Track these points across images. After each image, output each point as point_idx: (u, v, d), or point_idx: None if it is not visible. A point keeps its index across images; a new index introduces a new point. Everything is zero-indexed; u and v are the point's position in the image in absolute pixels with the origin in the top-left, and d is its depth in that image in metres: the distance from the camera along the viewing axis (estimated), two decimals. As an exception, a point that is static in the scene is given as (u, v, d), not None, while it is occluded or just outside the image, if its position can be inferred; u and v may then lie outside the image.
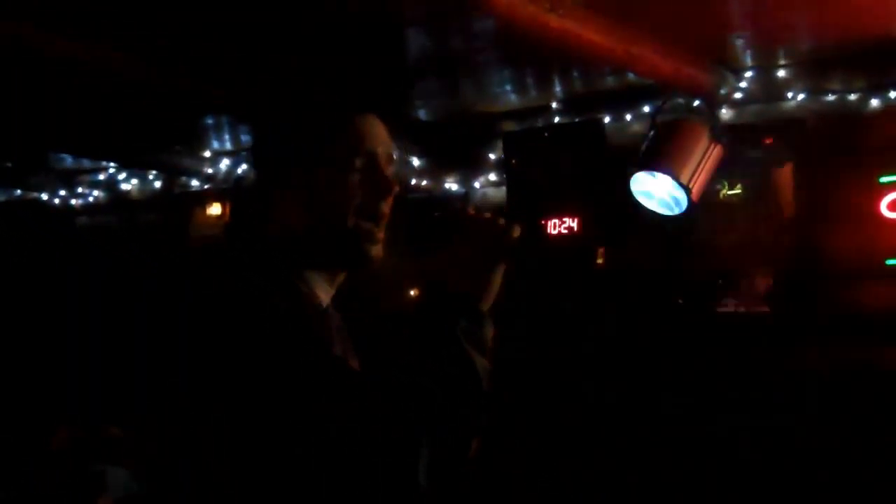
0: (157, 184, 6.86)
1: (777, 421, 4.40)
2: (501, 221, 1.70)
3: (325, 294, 1.74)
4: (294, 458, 1.52)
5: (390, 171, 1.74)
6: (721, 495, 4.41)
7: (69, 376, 5.46)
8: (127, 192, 6.97)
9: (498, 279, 1.69)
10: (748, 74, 4.62)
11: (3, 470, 3.70)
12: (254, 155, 1.85)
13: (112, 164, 6.84)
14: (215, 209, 6.58)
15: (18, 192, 7.29)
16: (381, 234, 1.72)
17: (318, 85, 1.82)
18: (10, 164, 6.72)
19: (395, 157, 1.76)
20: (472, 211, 1.73)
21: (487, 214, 1.72)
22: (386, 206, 1.72)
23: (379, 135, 1.73)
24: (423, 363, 1.58)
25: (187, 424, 1.60)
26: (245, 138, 6.20)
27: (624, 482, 4.61)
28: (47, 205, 7.18)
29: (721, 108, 4.69)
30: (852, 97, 4.54)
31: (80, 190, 7.10)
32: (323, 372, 1.53)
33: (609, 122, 4.99)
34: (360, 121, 1.72)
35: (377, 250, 1.71)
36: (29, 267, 6.48)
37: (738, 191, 4.66)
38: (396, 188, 1.72)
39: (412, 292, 4.86)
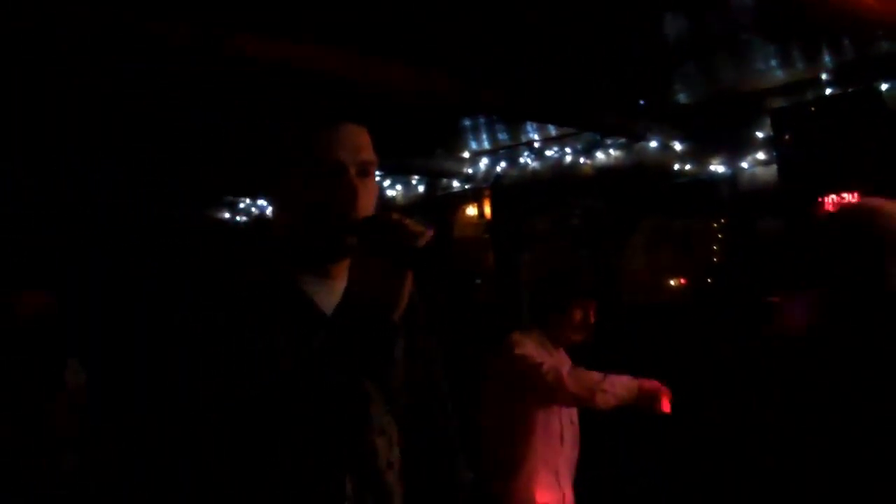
0: (421, 188, 7.04)
1: None
2: (411, 226, 1.69)
3: (318, 287, 1.80)
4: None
5: (360, 178, 1.79)
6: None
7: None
8: (392, 199, 7.20)
9: (404, 287, 1.70)
10: None
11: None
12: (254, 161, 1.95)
13: (377, 172, 7.08)
14: (472, 209, 6.70)
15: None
16: (350, 240, 1.75)
17: (305, 97, 1.90)
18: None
19: (372, 162, 1.82)
20: (392, 217, 1.71)
21: (395, 216, 1.70)
22: (355, 212, 1.76)
23: (348, 144, 1.79)
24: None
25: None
26: (502, 137, 6.27)
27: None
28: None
29: None
30: None
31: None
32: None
33: (887, 90, 4.69)
34: (327, 132, 1.79)
35: (352, 240, 1.75)
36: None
37: None
38: (359, 197, 1.76)
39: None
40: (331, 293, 1.82)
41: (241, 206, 7.89)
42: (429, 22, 3.95)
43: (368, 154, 1.83)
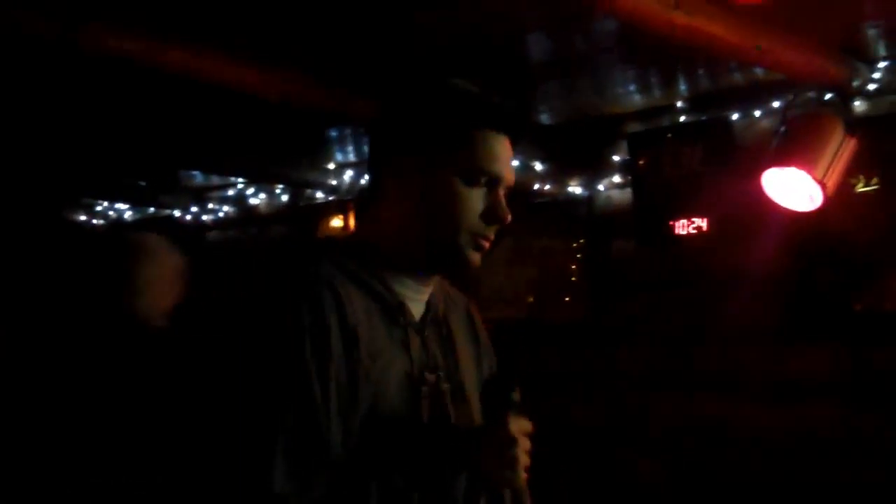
0: (284, 197, 6.99)
1: None
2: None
3: (411, 293, 1.72)
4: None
5: (505, 201, 1.69)
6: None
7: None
8: (255, 207, 7.12)
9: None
10: (882, 65, 4.47)
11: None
12: (372, 150, 1.79)
13: (240, 179, 7.00)
14: (337, 221, 6.68)
15: (152, 209, 7.51)
16: (486, 248, 1.68)
17: (454, 93, 1.72)
18: (143, 183, 6.93)
19: (512, 186, 1.72)
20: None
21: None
22: (493, 233, 1.68)
23: (506, 159, 1.69)
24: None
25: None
26: (367, 149, 6.26)
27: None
28: (179, 222, 7.39)
29: (854, 100, 4.54)
30: None
31: (210, 206, 7.30)
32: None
33: (737, 119, 4.89)
34: (493, 138, 1.67)
35: (477, 259, 1.68)
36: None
37: (874, 184, 4.51)
38: (509, 219, 1.68)
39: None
40: (420, 301, 1.75)
41: (99, 208, 7.69)
42: (297, 27, 3.92)
43: (514, 177, 1.73)
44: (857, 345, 4.47)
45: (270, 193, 7.04)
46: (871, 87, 4.52)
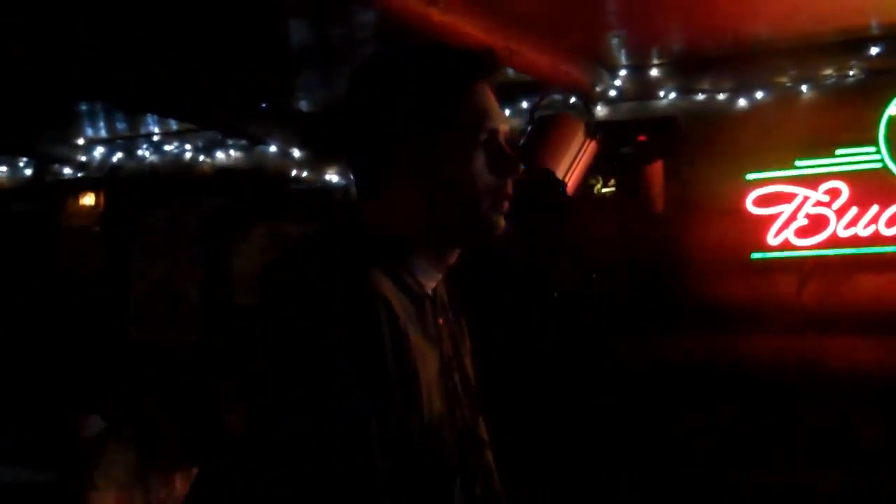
0: (28, 171, 6.66)
1: (640, 409, 4.57)
2: None
3: (428, 280, 1.58)
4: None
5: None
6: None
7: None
8: (-4, 180, 6.77)
9: None
10: (623, 73, 4.75)
11: None
12: (350, 140, 1.60)
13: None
14: (89, 199, 6.44)
15: None
16: (507, 206, 1.56)
17: (422, 52, 1.58)
18: None
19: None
20: None
21: None
22: (510, 185, 1.55)
23: (496, 108, 1.56)
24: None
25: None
26: (120, 126, 6.06)
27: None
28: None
29: (596, 105, 4.80)
30: (721, 97, 4.72)
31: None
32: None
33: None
34: (479, 91, 1.54)
35: (502, 222, 1.56)
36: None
37: (611, 187, 4.77)
38: (520, 167, 1.56)
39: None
40: (432, 286, 1.59)
41: None
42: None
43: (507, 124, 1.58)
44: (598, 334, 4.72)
45: (12, 166, 6.69)
46: (612, 93, 4.79)
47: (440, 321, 1.59)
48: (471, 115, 1.51)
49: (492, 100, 1.54)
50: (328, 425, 1.36)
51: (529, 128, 4.15)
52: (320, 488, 1.35)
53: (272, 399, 1.42)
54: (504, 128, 1.55)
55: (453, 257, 1.60)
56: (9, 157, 6.63)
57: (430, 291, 1.58)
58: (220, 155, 6.01)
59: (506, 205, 1.55)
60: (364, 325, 1.39)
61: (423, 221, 1.52)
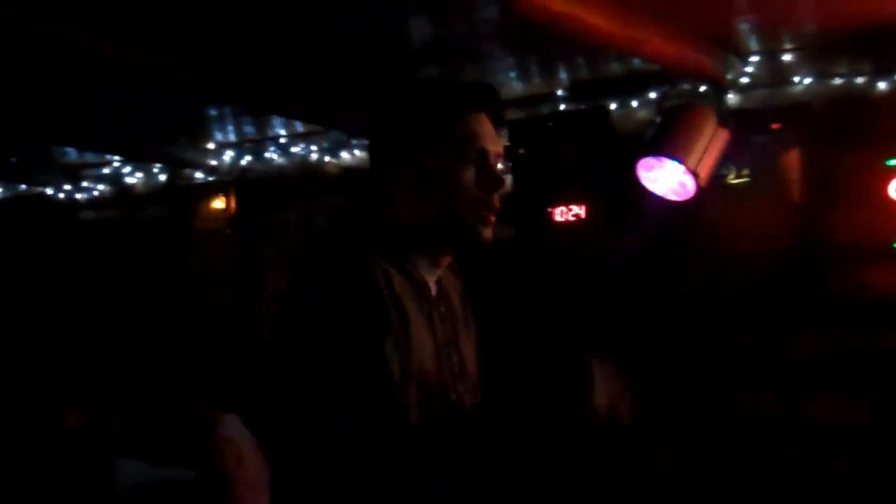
0: (162, 177, 6.84)
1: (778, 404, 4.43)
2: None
3: (428, 274, 1.88)
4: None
5: (499, 167, 1.87)
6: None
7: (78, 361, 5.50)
8: (132, 186, 6.95)
9: None
10: (754, 59, 4.60)
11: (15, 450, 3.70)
12: (369, 148, 1.96)
13: (116, 157, 6.82)
14: (219, 203, 6.57)
15: (23, 186, 7.27)
16: (492, 220, 1.85)
17: (431, 83, 1.98)
18: (14, 159, 6.70)
19: (502, 154, 1.91)
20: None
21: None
22: (497, 200, 1.85)
23: (490, 133, 1.86)
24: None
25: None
26: (248, 129, 6.17)
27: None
28: (52, 200, 7.17)
29: (727, 93, 4.66)
30: (859, 81, 4.53)
31: (84, 184, 7.09)
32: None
33: (615, 109, 4.97)
34: (473, 118, 1.85)
35: (488, 233, 1.85)
36: (32, 261, 6.50)
37: (745, 176, 4.63)
38: (507, 184, 1.91)
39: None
40: (432, 281, 1.90)
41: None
42: (172, 3, 3.84)
43: (501, 146, 1.90)
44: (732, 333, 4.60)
45: (147, 172, 6.88)
46: (744, 80, 4.64)
47: (441, 309, 1.90)
48: (460, 139, 1.81)
49: (484, 125, 1.85)
50: (327, 424, 1.63)
51: (658, 119, 4.07)
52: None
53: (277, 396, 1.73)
54: (496, 149, 1.86)
55: (448, 257, 1.92)
56: (144, 164, 6.80)
57: (431, 282, 1.88)
58: (344, 155, 6.05)
59: (491, 218, 1.84)
60: (365, 286, 1.68)
61: (419, 225, 1.83)
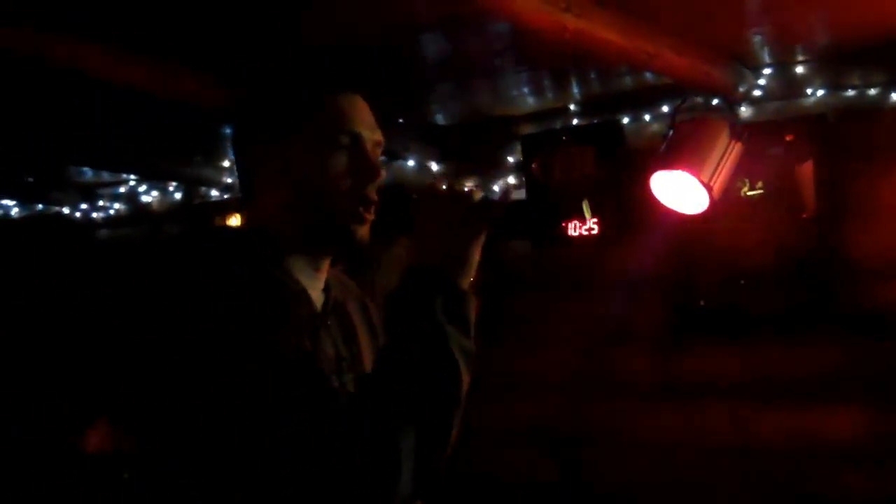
0: (178, 195, 6.87)
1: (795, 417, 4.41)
2: (475, 194, 1.59)
3: (308, 280, 1.67)
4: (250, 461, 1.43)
5: (376, 156, 1.67)
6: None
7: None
8: (148, 205, 6.98)
9: (473, 253, 1.58)
10: (767, 71, 4.59)
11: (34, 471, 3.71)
12: (232, 138, 1.77)
13: (132, 176, 6.86)
14: (235, 220, 6.58)
15: (40, 206, 7.31)
16: (368, 217, 1.65)
17: (298, 66, 1.77)
18: (31, 179, 6.74)
19: (382, 143, 1.70)
20: (441, 186, 1.63)
21: (460, 187, 1.61)
22: (373, 193, 1.64)
23: (364, 118, 1.67)
24: (397, 349, 1.48)
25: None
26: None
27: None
28: (68, 219, 7.21)
29: (740, 105, 4.66)
30: (872, 92, 4.51)
31: (100, 203, 7.13)
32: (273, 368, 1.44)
33: (628, 123, 4.97)
34: (343, 99, 1.65)
35: (364, 232, 1.65)
36: (49, 280, 6.52)
37: (759, 189, 4.62)
38: (383, 174, 1.65)
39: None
40: (317, 289, 1.69)
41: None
42: (190, 22, 3.86)
43: (380, 134, 1.70)
44: (745, 345, 4.57)
45: (163, 191, 6.91)
46: (757, 93, 4.64)
47: (328, 322, 1.67)
48: (326, 120, 1.61)
49: (359, 108, 1.65)
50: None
51: (671, 132, 4.06)
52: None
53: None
54: (373, 136, 1.65)
55: (327, 262, 1.69)
56: (159, 183, 6.83)
57: (315, 291, 1.66)
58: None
59: (367, 215, 1.63)
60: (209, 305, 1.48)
61: (288, 224, 1.62)
